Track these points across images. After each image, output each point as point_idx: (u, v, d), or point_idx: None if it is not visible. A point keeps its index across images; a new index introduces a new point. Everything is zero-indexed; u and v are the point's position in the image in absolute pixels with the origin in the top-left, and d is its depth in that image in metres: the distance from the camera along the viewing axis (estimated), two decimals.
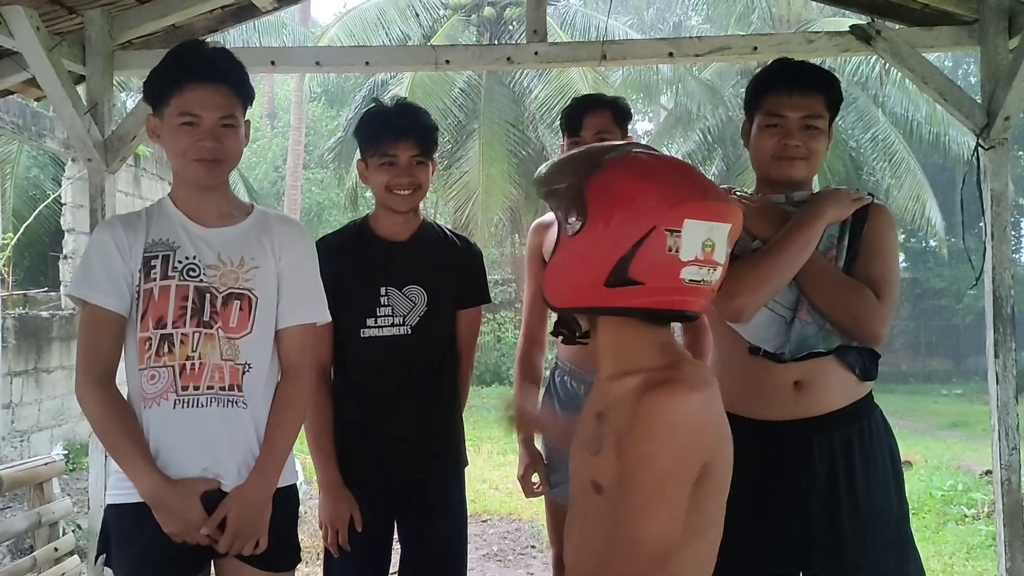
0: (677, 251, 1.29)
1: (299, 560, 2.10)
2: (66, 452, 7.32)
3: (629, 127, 2.72)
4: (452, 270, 2.48)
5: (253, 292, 1.97)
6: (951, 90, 3.23)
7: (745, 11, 15.91)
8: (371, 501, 2.38)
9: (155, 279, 1.92)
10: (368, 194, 16.48)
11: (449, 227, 2.67)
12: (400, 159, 2.36)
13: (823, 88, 2.07)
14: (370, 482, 2.40)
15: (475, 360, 2.63)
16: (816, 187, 2.18)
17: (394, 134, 2.36)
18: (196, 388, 1.90)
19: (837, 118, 2.15)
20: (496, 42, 13.94)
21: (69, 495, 6.18)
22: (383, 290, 2.38)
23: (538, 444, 2.63)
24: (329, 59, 3.66)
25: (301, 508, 5.78)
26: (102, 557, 1.99)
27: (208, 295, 1.93)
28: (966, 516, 6.31)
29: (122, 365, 1.97)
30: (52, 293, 9.51)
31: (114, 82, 3.54)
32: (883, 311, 1.95)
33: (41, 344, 8.13)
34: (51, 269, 9.81)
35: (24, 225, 9.52)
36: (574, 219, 1.36)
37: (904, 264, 19.07)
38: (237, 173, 10.19)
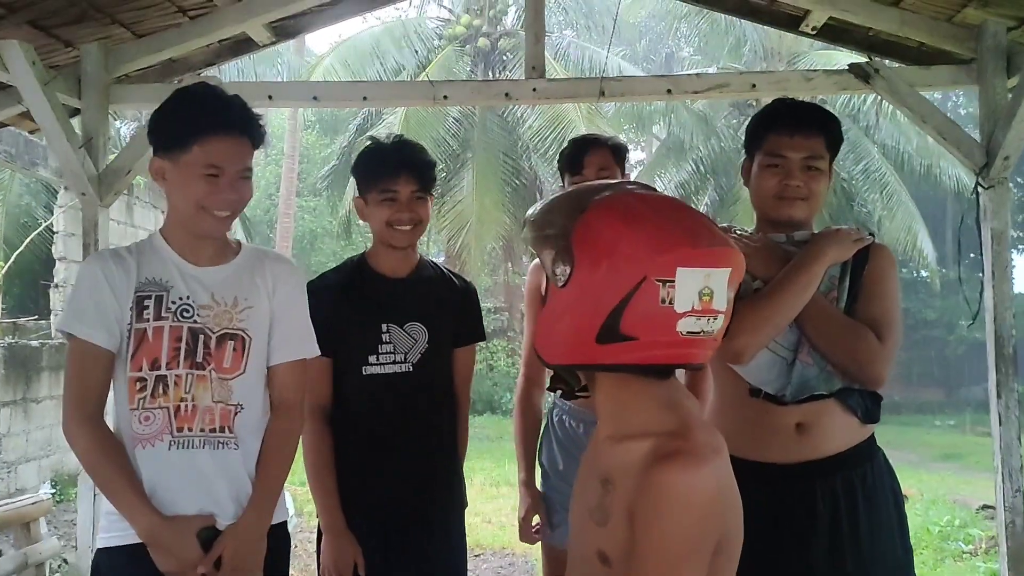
0: (671, 302, 1.18)
1: None
2: (54, 485, 7.23)
3: (627, 163, 2.74)
4: (450, 307, 2.47)
5: (247, 332, 1.95)
6: (950, 129, 3.23)
7: (737, 43, 16.02)
8: (371, 541, 2.35)
9: (148, 319, 1.89)
10: (362, 222, 16.48)
11: (445, 264, 2.68)
12: (400, 195, 2.35)
13: (824, 129, 2.06)
14: (370, 522, 2.36)
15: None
16: (814, 224, 2.16)
17: (394, 170, 2.36)
18: (190, 430, 1.88)
19: None
20: (491, 73, 14.04)
21: (56, 527, 6.11)
22: (384, 327, 2.36)
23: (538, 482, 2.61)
24: (326, 94, 3.65)
25: (292, 542, 5.76)
26: None
27: (202, 336, 1.91)
28: (964, 552, 6.26)
29: (110, 405, 1.94)
30: (42, 321, 9.43)
31: (111, 113, 3.52)
32: (885, 353, 1.92)
33: (30, 373, 8.04)
34: (42, 297, 9.73)
35: (15, 253, 9.47)
36: (560, 269, 1.25)
37: None
38: None
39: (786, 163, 2.01)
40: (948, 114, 3.44)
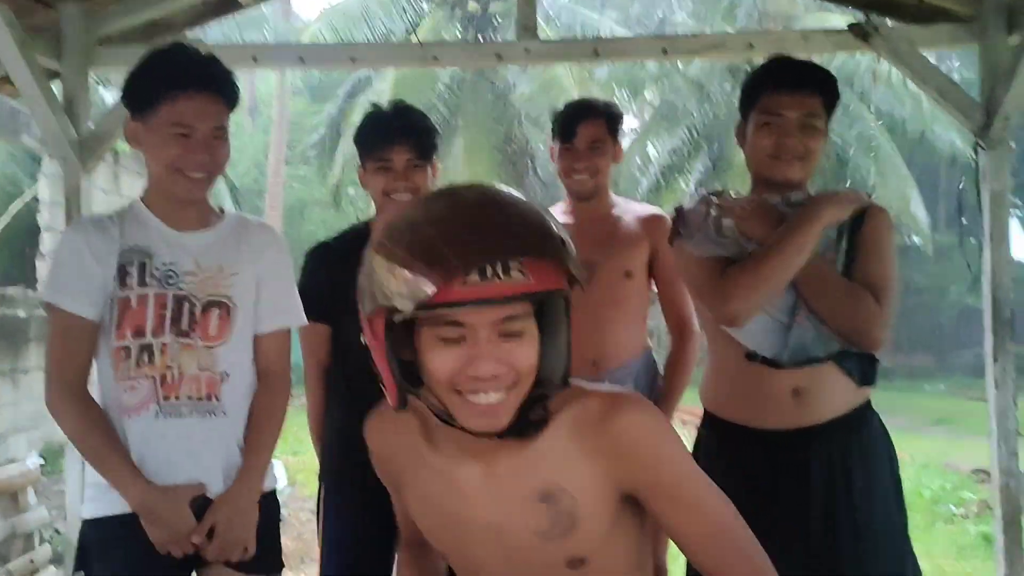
0: None
1: (282, 566, 2.06)
2: (43, 457, 7.20)
3: (620, 131, 2.70)
4: None
5: (232, 300, 1.92)
6: (950, 89, 3.17)
7: (731, 7, 15.86)
8: (371, 509, 2.27)
9: (132, 287, 1.86)
10: (351, 190, 16.38)
11: None
12: (395, 163, 2.29)
13: (821, 87, 2.02)
14: (369, 490, 2.32)
15: None
16: (809, 189, 2.12)
17: (388, 138, 2.30)
18: (176, 399, 1.86)
19: None
20: (481, 38, 13.87)
21: (47, 498, 6.09)
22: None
23: None
24: (313, 56, 3.57)
25: (284, 511, 5.76)
26: (80, 574, 1.92)
27: (187, 303, 1.87)
28: (955, 515, 6.31)
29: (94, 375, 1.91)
30: (29, 292, 9.35)
31: (94, 78, 3.44)
32: (882, 315, 1.90)
33: (19, 344, 7.98)
34: (28, 267, 9.64)
35: (0, 222, 9.37)
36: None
37: None
38: None
39: (782, 122, 1.97)
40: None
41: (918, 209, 15.05)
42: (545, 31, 13.19)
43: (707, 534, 1.25)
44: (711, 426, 2.10)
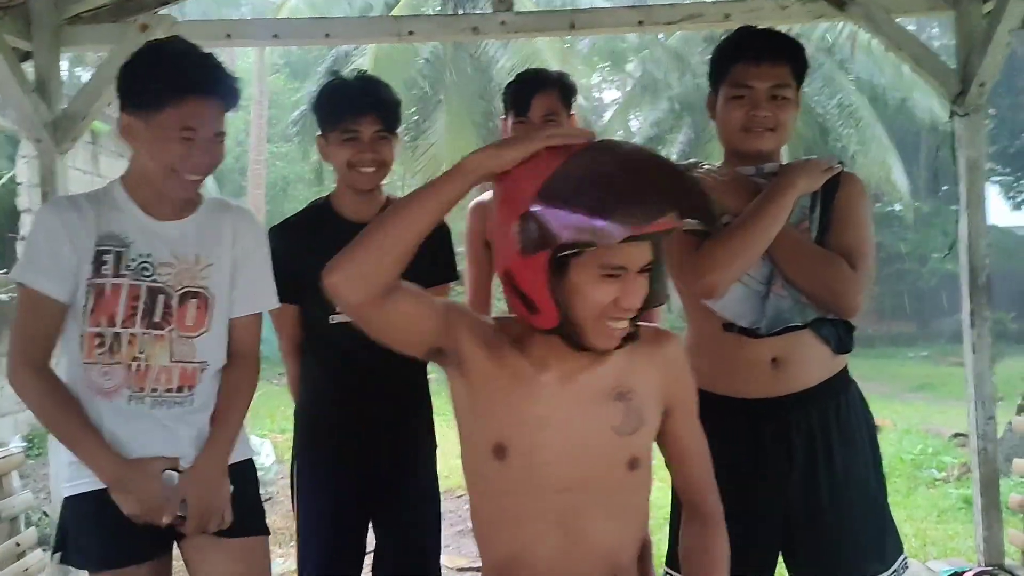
0: None
1: (267, 530, 2.07)
2: (29, 441, 7.18)
3: (574, 102, 2.65)
4: (421, 249, 2.39)
5: (209, 290, 1.93)
6: (926, 56, 3.18)
7: None
8: (344, 486, 2.34)
9: (107, 275, 1.85)
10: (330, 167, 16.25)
11: None
12: (362, 135, 2.26)
13: (790, 56, 2.01)
14: (341, 466, 2.35)
15: None
16: (785, 157, 2.12)
17: (355, 109, 2.26)
18: (141, 390, 1.87)
19: (804, 85, 2.09)
20: (461, 11, 13.73)
21: (35, 480, 6.08)
22: None
23: None
24: (288, 32, 3.54)
25: (272, 488, 5.76)
26: (58, 555, 1.94)
27: (162, 295, 1.88)
28: (936, 480, 6.39)
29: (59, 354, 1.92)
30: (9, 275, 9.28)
31: (68, 57, 3.39)
32: (859, 281, 1.90)
33: (0, 328, 7.93)
34: (8, 251, 9.56)
35: None
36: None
37: None
38: None
39: (752, 93, 1.96)
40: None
41: (899, 176, 15.09)
42: (525, 4, 13.11)
43: (700, 451, 1.60)
44: None
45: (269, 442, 6.59)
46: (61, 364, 1.92)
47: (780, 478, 1.94)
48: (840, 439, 1.96)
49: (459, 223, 2.65)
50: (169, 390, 1.88)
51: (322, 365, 2.38)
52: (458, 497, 5.98)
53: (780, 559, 2.03)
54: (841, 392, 2.00)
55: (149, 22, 3.23)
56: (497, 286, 1.72)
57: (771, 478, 1.95)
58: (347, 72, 2.43)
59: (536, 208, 1.30)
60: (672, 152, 16.68)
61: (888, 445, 7.13)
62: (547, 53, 13.16)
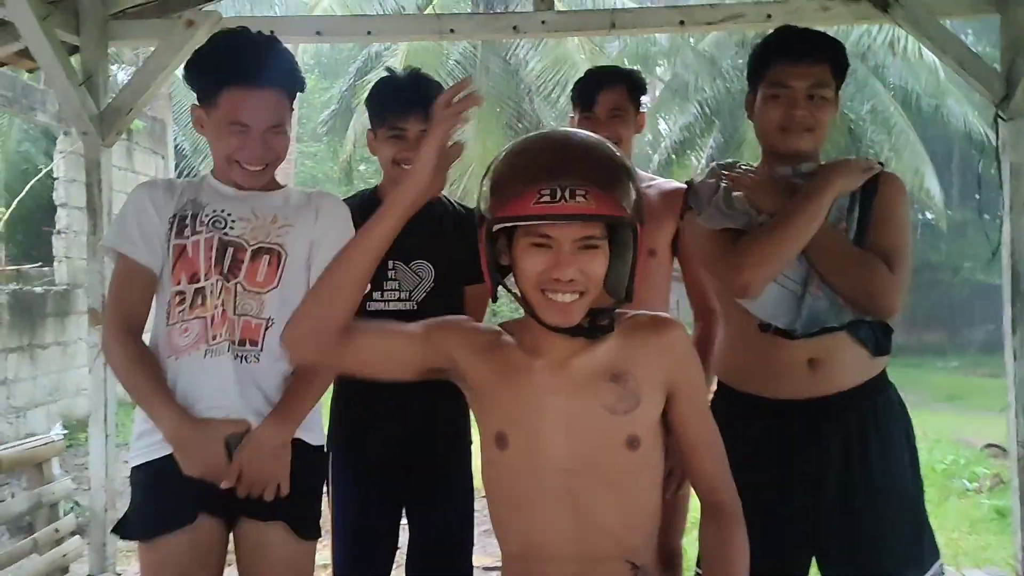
0: None
1: (319, 533, 2.03)
2: (65, 430, 7.27)
3: (644, 101, 2.64)
4: (460, 244, 2.39)
5: (283, 248, 1.95)
6: (970, 59, 3.15)
7: None
8: (374, 477, 2.35)
9: (187, 235, 1.92)
10: (363, 167, 16.35)
11: (456, 199, 2.59)
12: (408, 133, 2.29)
13: (829, 56, 1.99)
14: (374, 460, 2.36)
15: None
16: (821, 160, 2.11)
17: (403, 106, 2.29)
18: (217, 338, 1.89)
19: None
20: (495, 11, 13.76)
21: (67, 471, 6.16)
22: (390, 264, 2.32)
23: None
24: (330, 29, 3.57)
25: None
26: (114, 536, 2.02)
27: (231, 247, 1.92)
28: (968, 490, 6.31)
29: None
30: (45, 268, 9.41)
31: (108, 53, 3.45)
32: (896, 283, 1.89)
33: (35, 320, 8.05)
34: (44, 244, 9.69)
35: (16, 200, 9.41)
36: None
37: None
38: None
39: (791, 93, 1.96)
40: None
41: (932, 185, 14.91)
42: (559, 4, 13.11)
43: (710, 442, 1.58)
44: (725, 397, 2.09)
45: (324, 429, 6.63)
46: (147, 332, 1.97)
47: (814, 479, 1.93)
48: (878, 441, 1.94)
49: None
50: (234, 342, 1.89)
51: None
52: (483, 496, 5.99)
53: (813, 561, 2.01)
54: (879, 394, 1.99)
55: (195, 18, 3.27)
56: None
57: (805, 479, 1.93)
58: (400, 70, 2.45)
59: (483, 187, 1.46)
60: (702, 156, 16.62)
61: (919, 454, 7.04)
62: (577, 56, 13.16)
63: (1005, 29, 3.12)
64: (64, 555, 3.53)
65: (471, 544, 2.49)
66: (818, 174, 1.94)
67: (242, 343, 1.89)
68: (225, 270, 1.90)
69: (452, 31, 3.41)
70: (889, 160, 14.29)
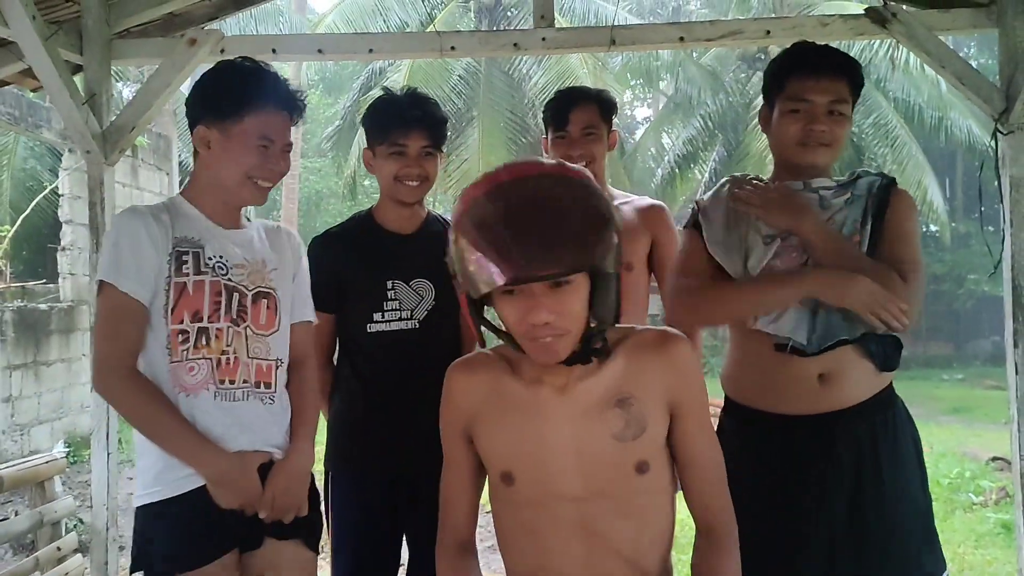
0: None
1: (318, 549, 2.09)
2: (67, 446, 7.28)
3: (614, 120, 2.69)
4: None
5: (276, 291, 2.02)
6: (969, 74, 3.15)
7: None
8: (376, 495, 2.36)
9: (188, 274, 1.91)
10: (367, 182, 16.37)
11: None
12: (410, 149, 2.31)
13: (847, 72, 2.02)
14: (375, 477, 2.37)
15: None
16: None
17: (404, 124, 2.31)
18: (232, 383, 1.92)
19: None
20: (496, 28, 13.84)
21: (71, 488, 6.16)
22: (390, 283, 2.34)
23: None
24: (332, 47, 3.58)
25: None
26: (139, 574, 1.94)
27: (236, 293, 1.95)
28: (974, 504, 6.29)
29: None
30: (50, 285, 9.44)
31: (111, 72, 3.47)
32: (911, 294, 1.89)
33: (40, 337, 8.07)
34: (49, 261, 9.73)
35: (21, 217, 9.46)
36: (613, 259, 1.44)
37: None
38: None
39: (810, 108, 1.97)
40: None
41: (935, 197, 14.93)
42: (560, 22, 13.16)
43: (709, 462, 1.55)
44: (734, 413, 2.10)
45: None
46: (141, 365, 1.95)
47: (826, 494, 1.93)
48: (888, 454, 1.95)
49: None
50: (255, 384, 1.95)
51: (356, 374, 2.40)
52: (487, 512, 5.98)
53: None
54: (889, 407, 1.99)
55: (197, 36, 3.30)
56: None
57: (816, 494, 1.93)
58: (398, 88, 2.47)
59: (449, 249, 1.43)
60: (705, 170, 16.64)
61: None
62: (580, 70, 13.21)
63: (1004, 43, 3.12)
64: (66, 573, 3.53)
65: None
66: (811, 271, 1.93)
67: (257, 385, 1.96)
68: (235, 315, 1.93)
69: (453, 48, 3.42)
70: (892, 173, 14.25)
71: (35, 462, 3.58)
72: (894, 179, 2.05)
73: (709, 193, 2.14)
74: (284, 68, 21.61)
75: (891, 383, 2.01)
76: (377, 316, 2.33)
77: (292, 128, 2.01)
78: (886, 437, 1.96)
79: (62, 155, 9.12)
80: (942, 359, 19.00)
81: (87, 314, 8.15)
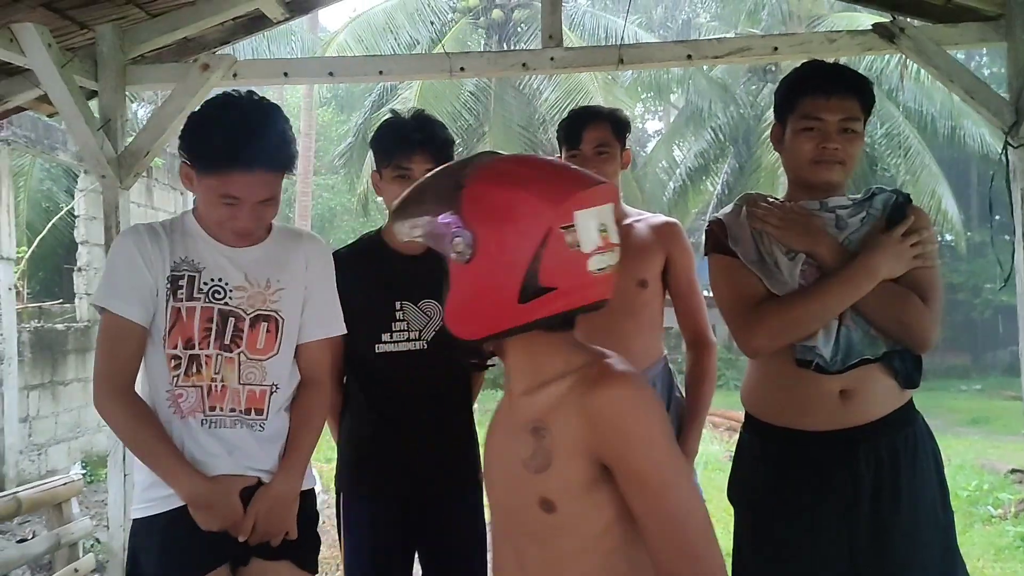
0: (578, 245, 1.27)
1: (316, 568, 2.10)
2: (85, 465, 7.31)
3: (628, 138, 2.69)
4: None
5: (280, 313, 1.99)
6: (978, 88, 3.15)
7: (755, 8, 15.80)
8: (387, 515, 2.35)
9: (182, 299, 1.92)
10: (379, 199, 16.45)
11: None
12: (414, 172, 2.30)
13: (859, 90, 2.02)
14: (386, 498, 2.36)
15: None
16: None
17: (408, 147, 2.32)
18: (220, 410, 1.92)
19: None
20: (506, 45, 13.92)
21: (87, 507, 6.19)
22: (398, 304, 2.34)
23: None
24: (342, 69, 3.61)
25: (321, 518, 5.79)
26: None
27: (232, 318, 1.93)
28: (993, 516, 6.23)
29: (141, 378, 1.97)
30: (67, 305, 9.52)
31: (128, 94, 3.51)
32: (931, 315, 1.90)
33: (56, 357, 8.13)
34: (66, 281, 9.81)
35: (38, 238, 9.55)
36: (462, 248, 1.30)
37: None
38: None
39: (823, 126, 1.98)
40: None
41: (950, 206, 14.87)
42: (570, 37, 13.23)
43: (666, 528, 1.24)
44: (755, 430, 2.09)
45: (315, 471, 6.65)
46: (141, 385, 1.98)
47: (847, 510, 1.92)
48: (909, 470, 1.94)
49: None
50: (242, 411, 1.94)
51: (366, 395, 2.40)
52: None
53: None
54: (910, 424, 1.99)
55: (210, 61, 3.34)
56: None
57: (837, 510, 1.92)
58: (404, 110, 2.49)
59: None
60: (716, 182, 16.63)
61: None
62: (591, 85, 13.26)
63: (1012, 57, 3.12)
64: None
65: None
66: (865, 254, 1.92)
67: (247, 412, 1.94)
68: (227, 341, 1.92)
69: (462, 69, 3.45)
70: (906, 183, 14.27)
71: (53, 484, 3.61)
72: (909, 196, 2.04)
73: (725, 213, 2.13)
74: (297, 87, 21.87)
75: (911, 399, 2.01)
76: (385, 337, 2.33)
77: (279, 180, 1.92)
78: (907, 453, 1.95)
79: (78, 176, 9.21)
80: (959, 370, 18.86)
81: None
